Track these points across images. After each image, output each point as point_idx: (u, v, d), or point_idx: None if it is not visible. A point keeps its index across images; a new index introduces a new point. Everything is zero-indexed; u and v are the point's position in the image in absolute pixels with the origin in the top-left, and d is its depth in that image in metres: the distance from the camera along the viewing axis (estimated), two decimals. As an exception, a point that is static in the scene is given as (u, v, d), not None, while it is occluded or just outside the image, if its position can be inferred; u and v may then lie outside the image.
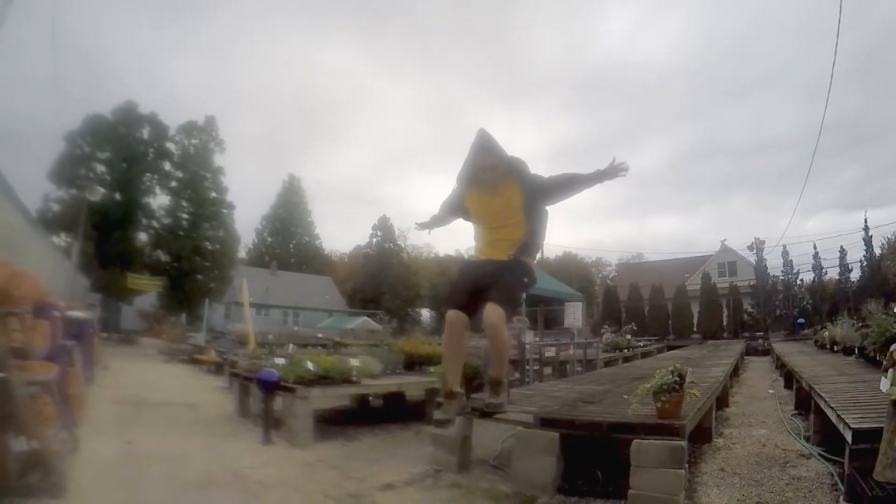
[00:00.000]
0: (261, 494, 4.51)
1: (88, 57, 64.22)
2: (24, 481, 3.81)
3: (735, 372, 11.82)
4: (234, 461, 5.50)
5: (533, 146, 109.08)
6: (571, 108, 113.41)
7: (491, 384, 4.10)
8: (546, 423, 4.86)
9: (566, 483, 4.69)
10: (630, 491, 4.10)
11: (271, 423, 6.54)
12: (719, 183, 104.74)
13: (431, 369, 8.31)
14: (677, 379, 4.32)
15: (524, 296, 4.40)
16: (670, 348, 20.00)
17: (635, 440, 4.17)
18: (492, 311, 3.53)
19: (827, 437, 5.37)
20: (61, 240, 21.56)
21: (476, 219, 4.03)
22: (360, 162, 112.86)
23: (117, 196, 26.56)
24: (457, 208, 4.10)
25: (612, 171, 3.68)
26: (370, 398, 9.18)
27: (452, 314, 3.72)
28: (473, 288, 3.78)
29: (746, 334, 27.58)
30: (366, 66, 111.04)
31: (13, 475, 3.69)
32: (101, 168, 26.93)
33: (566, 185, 3.90)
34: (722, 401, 8.23)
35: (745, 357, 17.23)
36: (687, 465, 4.33)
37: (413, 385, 8.15)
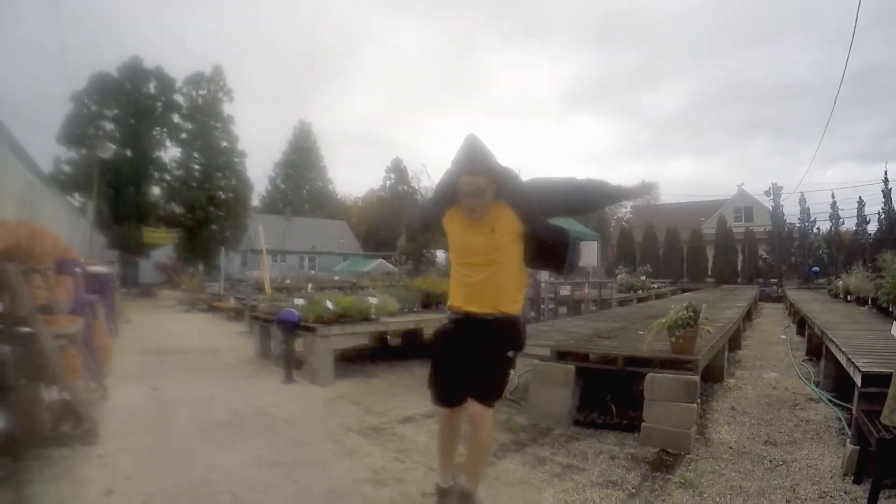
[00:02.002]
0: (285, 430, 4.70)
1: (92, 16, 63.03)
2: (58, 430, 3.98)
3: (748, 316, 11.87)
4: (257, 400, 5.71)
5: (546, 85, 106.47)
6: (586, 47, 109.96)
7: (461, 499, 2.91)
8: (562, 356, 4.99)
9: (581, 416, 4.84)
10: (643, 424, 4.23)
11: (292, 363, 6.73)
12: (737, 127, 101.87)
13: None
14: (692, 315, 4.37)
15: (513, 372, 3.32)
16: (684, 291, 20.00)
17: (649, 374, 4.27)
18: (478, 414, 2.71)
19: (836, 383, 5.45)
20: (75, 200, 21.71)
21: (453, 251, 2.98)
22: (371, 105, 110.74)
23: (128, 152, 26.52)
24: (434, 226, 3.12)
25: (639, 191, 2.94)
26: (388, 337, 9.40)
27: (446, 411, 2.93)
28: (456, 375, 2.84)
29: (760, 280, 27.50)
30: (374, 5, 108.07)
31: (47, 424, 3.85)
32: (109, 126, 26.82)
33: (576, 199, 3.07)
34: (734, 343, 8.32)
35: (759, 303, 17.24)
36: (699, 401, 4.42)
37: (430, 322, 8.20)
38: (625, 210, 57.06)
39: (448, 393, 2.87)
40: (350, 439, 4.39)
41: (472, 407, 2.71)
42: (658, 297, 15.91)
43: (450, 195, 2.85)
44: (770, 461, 3.84)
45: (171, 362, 7.88)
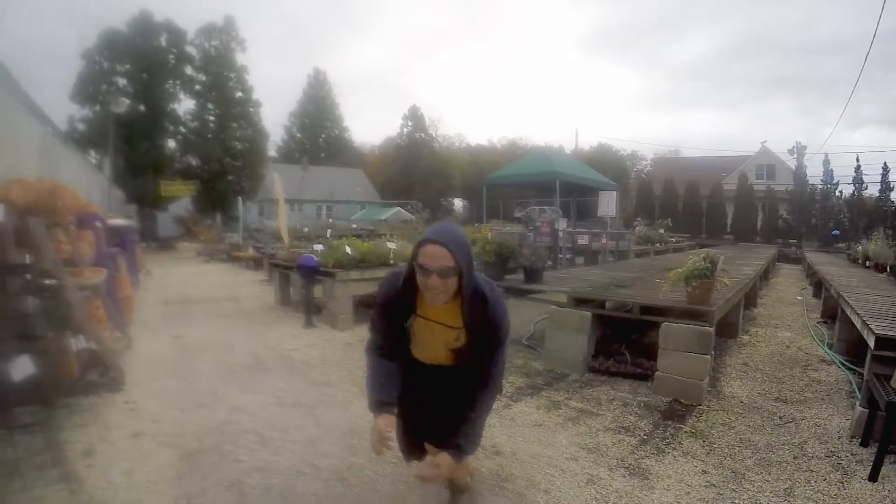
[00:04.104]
0: (306, 373, 4.85)
1: None
2: (85, 378, 4.13)
3: (765, 276, 11.78)
4: (278, 345, 5.86)
5: (567, 28, 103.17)
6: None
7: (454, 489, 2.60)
8: (579, 302, 5.07)
9: (596, 363, 4.92)
10: (657, 373, 4.30)
11: (312, 309, 6.87)
12: (762, 82, 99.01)
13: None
14: (709, 266, 4.34)
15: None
16: (702, 246, 19.75)
17: (664, 323, 4.30)
18: (458, 470, 2.34)
19: (849, 347, 5.44)
20: (91, 157, 21.76)
21: (418, 344, 2.28)
22: (387, 51, 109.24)
23: (142, 107, 26.39)
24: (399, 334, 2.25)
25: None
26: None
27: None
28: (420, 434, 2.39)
29: (780, 241, 27.09)
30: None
31: (75, 373, 4.00)
32: (122, 81, 26.57)
33: None
34: (750, 301, 8.30)
35: (777, 263, 17.05)
36: (713, 354, 4.46)
37: None
38: (645, 162, 56.29)
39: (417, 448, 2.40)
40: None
41: (454, 472, 2.31)
42: (676, 251, 15.79)
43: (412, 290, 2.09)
44: (780, 417, 3.89)
45: (192, 311, 8.05)
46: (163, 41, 28.10)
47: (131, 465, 2.97)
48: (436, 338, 2.21)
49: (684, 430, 3.59)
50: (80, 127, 24.88)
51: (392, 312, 2.20)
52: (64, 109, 25.29)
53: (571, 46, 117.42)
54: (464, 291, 2.00)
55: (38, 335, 3.38)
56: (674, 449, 3.29)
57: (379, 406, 2.16)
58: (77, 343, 3.98)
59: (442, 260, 1.91)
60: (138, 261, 11.22)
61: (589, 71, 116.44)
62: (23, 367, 2.65)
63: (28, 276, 3.60)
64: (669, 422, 3.73)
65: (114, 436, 3.36)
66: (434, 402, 2.32)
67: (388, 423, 2.13)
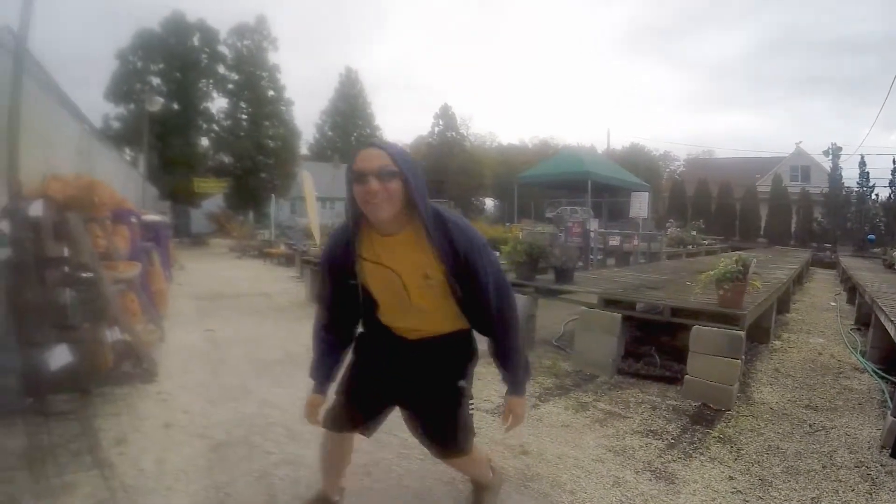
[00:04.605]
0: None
1: None
2: (119, 369, 4.24)
3: (799, 280, 11.50)
4: (309, 340, 5.90)
5: (599, 26, 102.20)
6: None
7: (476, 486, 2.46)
8: (610, 303, 5.04)
9: (625, 365, 4.88)
10: (686, 376, 4.23)
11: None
12: (797, 81, 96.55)
13: (497, 253, 8.50)
14: (741, 268, 4.27)
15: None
16: (735, 249, 19.38)
17: (695, 326, 4.23)
18: (463, 465, 2.28)
19: (883, 355, 5.30)
20: (126, 154, 22.30)
21: (384, 304, 1.97)
22: (418, 50, 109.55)
23: (175, 105, 26.94)
24: (348, 298, 1.93)
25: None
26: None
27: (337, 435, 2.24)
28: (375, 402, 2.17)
29: (814, 244, 26.39)
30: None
31: (109, 363, 4.11)
32: (156, 80, 27.17)
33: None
34: (783, 306, 8.11)
35: (811, 268, 16.64)
36: (743, 359, 4.38)
37: None
38: (678, 163, 55.34)
39: (354, 420, 2.17)
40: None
41: (461, 465, 2.26)
42: (708, 253, 15.52)
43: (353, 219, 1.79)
44: (809, 425, 3.79)
45: (224, 306, 8.20)
46: (196, 41, 28.61)
47: (162, 454, 3.03)
48: (401, 281, 1.79)
49: (712, 435, 3.54)
50: (115, 125, 25.50)
51: (337, 272, 1.88)
52: (99, 108, 25.92)
53: (603, 45, 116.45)
54: (419, 206, 1.67)
55: (75, 326, 3.48)
56: (701, 454, 3.23)
57: (315, 374, 2.07)
58: (112, 334, 4.09)
59: (378, 160, 1.62)
60: (171, 256, 11.46)
61: (621, 69, 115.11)
62: (60, 356, 2.74)
63: (66, 269, 3.71)
64: (698, 426, 3.67)
65: (146, 425, 3.45)
66: (410, 373, 2.02)
67: (314, 404, 2.07)
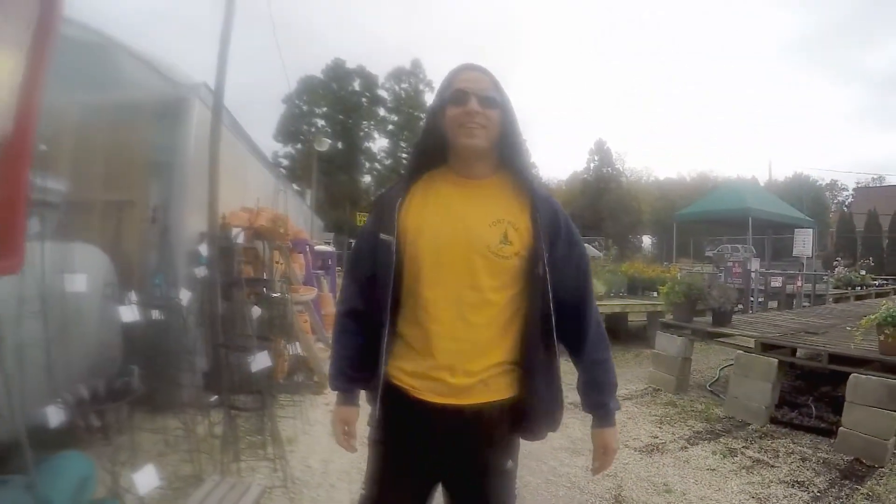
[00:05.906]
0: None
1: (298, 25, 70.80)
2: (292, 379, 4.88)
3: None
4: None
5: (755, 48, 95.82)
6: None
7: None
8: (766, 348, 4.85)
9: (779, 413, 4.67)
10: (840, 428, 3.97)
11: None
12: None
13: (654, 294, 8.58)
14: (905, 312, 3.95)
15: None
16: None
17: (853, 374, 3.97)
18: None
19: None
20: (294, 189, 24.87)
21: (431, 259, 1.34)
22: (571, 84, 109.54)
23: (339, 145, 29.45)
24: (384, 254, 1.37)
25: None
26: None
27: None
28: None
29: None
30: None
31: (285, 373, 4.75)
32: (320, 122, 29.96)
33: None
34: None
35: None
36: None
37: (636, 307, 8.47)
38: (846, 192, 49.48)
39: None
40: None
41: None
42: (879, 295, 13.68)
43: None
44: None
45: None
46: (356, 85, 31.23)
47: (327, 455, 3.50)
48: (469, 239, 1.31)
49: (861, 491, 3.30)
50: (284, 162, 28.48)
51: (386, 228, 1.37)
52: (268, 146, 29.13)
53: (760, 68, 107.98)
54: (517, 148, 1.42)
55: (267, 338, 4.12)
56: (847, 510, 3.04)
57: (335, 382, 1.55)
58: (291, 348, 4.75)
59: (482, 82, 1.34)
60: (338, 283, 12.58)
61: (781, 92, 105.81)
62: (261, 361, 3.28)
63: (264, 290, 4.42)
64: (847, 481, 3.44)
65: (314, 430, 3.99)
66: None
67: (344, 420, 1.59)
